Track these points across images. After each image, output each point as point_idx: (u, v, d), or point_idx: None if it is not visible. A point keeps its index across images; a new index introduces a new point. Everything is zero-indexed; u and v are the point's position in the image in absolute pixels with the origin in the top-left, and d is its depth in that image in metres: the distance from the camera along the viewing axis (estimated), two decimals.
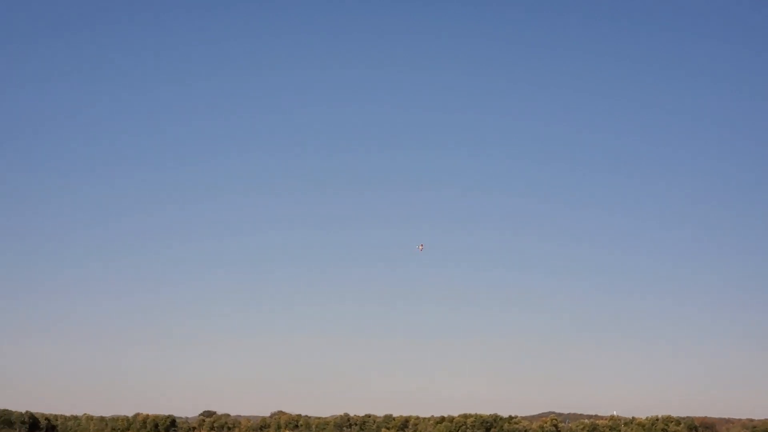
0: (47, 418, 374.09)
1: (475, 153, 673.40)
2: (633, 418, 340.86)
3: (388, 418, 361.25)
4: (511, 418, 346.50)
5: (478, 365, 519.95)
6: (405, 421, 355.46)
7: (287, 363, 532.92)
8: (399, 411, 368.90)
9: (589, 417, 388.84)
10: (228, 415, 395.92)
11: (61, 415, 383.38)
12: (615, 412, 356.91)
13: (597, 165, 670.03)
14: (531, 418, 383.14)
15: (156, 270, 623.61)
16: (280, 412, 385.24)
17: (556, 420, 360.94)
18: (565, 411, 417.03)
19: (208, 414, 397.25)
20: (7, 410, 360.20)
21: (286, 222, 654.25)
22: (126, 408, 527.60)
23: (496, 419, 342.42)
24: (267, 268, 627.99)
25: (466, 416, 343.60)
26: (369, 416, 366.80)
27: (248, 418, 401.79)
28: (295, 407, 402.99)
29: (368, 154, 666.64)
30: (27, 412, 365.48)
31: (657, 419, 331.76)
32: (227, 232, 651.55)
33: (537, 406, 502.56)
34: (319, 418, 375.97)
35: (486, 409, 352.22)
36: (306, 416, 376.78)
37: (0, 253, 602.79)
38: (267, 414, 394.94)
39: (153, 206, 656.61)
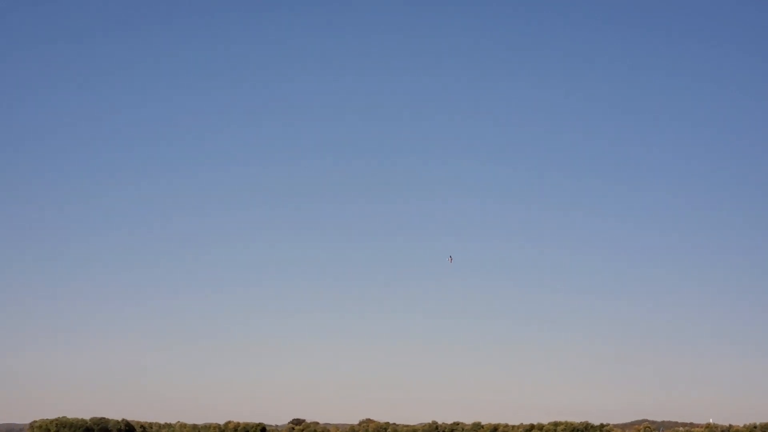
0: (142, 426, 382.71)
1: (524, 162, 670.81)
2: (730, 425, 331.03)
3: (477, 426, 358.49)
4: (602, 426, 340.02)
5: (568, 371, 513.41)
6: (494, 429, 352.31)
7: (375, 370, 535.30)
8: (488, 418, 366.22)
9: (684, 425, 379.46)
10: (317, 423, 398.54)
11: (156, 422, 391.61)
12: (711, 420, 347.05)
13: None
14: (623, 426, 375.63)
15: (244, 276, 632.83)
16: (369, 420, 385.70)
17: (649, 428, 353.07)
18: (659, 419, 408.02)
19: (298, 422, 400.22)
20: (103, 418, 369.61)
21: (367, 227, 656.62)
22: (217, 416, 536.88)
23: (587, 427, 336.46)
24: (359, 274, 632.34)
25: (556, 424, 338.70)
26: (457, 424, 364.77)
27: (337, 426, 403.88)
28: (383, 415, 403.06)
29: (402, 160, 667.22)
30: (123, 420, 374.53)
31: (755, 427, 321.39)
32: (310, 236, 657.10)
33: (629, 413, 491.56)
34: (407, 425, 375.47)
35: (577, 417, 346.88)
36: (394, 424, 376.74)
37: (97, 261, 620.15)
38: (355, 422, 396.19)
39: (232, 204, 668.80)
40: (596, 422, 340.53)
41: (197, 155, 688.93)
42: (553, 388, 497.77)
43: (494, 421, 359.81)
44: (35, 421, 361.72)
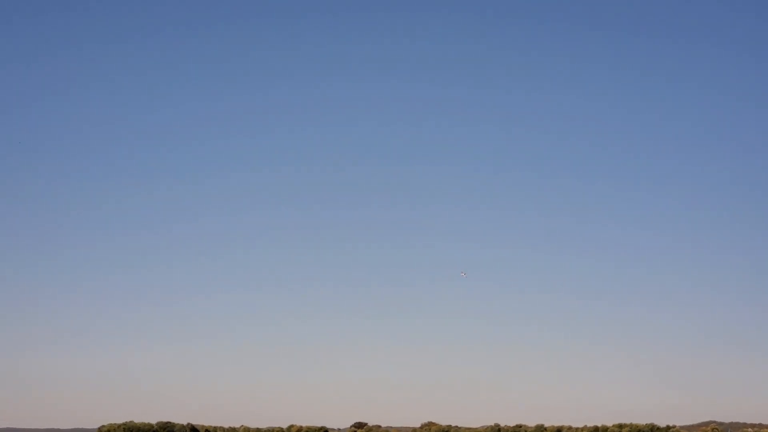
0: (207, 430, 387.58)
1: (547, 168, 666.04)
2: None
3: (540, 428, 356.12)
4: (668, 427, 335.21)
5: (633, 373, 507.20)
6: (557, 431, 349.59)
7: (437, 373, 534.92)
8: (551, 420, 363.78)
9: (753, 426, 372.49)
10: (379, 427, 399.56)
11: (220, 426, 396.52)
12: None
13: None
14: (690, 428, 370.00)
15: (311, 283, 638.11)
16: (431, 423, 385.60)
17: (717, 429, 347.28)
18: (726, 420, 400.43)
19: (360, 425, 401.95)
20: (170, 422, 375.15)
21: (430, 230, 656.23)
22: (280, 419, 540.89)
23: (652, 429, 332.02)
24: (422, 279, 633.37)
25: (620, 426, 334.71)
26: (520, 426, 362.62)
27: (399, 429, 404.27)
28: (445, 418, 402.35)
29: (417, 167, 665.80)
30: (188, 423, 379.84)
31: None
32: (364, 240, 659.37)
33: (696, 415, 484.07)
34: (469, 428, 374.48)
35: (642, 419, 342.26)
36: (456, 427, 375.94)
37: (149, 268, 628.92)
38: (417, 425, 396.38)
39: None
40: (662, 424, 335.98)
41: (198, 158, 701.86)
42: (618, 389, 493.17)
43: (557, 423, 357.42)
44: (103, 426, 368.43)
